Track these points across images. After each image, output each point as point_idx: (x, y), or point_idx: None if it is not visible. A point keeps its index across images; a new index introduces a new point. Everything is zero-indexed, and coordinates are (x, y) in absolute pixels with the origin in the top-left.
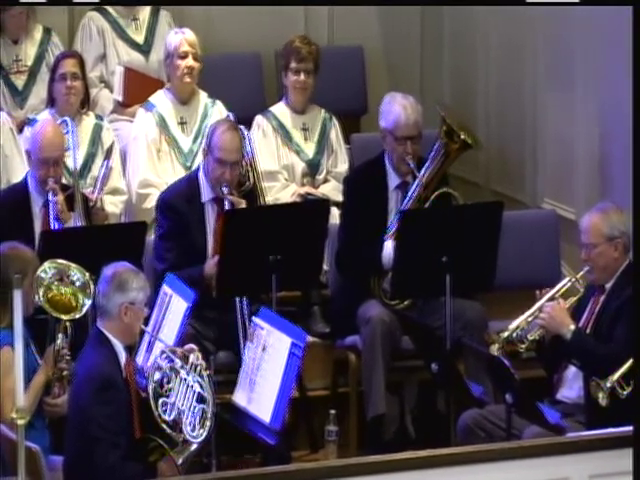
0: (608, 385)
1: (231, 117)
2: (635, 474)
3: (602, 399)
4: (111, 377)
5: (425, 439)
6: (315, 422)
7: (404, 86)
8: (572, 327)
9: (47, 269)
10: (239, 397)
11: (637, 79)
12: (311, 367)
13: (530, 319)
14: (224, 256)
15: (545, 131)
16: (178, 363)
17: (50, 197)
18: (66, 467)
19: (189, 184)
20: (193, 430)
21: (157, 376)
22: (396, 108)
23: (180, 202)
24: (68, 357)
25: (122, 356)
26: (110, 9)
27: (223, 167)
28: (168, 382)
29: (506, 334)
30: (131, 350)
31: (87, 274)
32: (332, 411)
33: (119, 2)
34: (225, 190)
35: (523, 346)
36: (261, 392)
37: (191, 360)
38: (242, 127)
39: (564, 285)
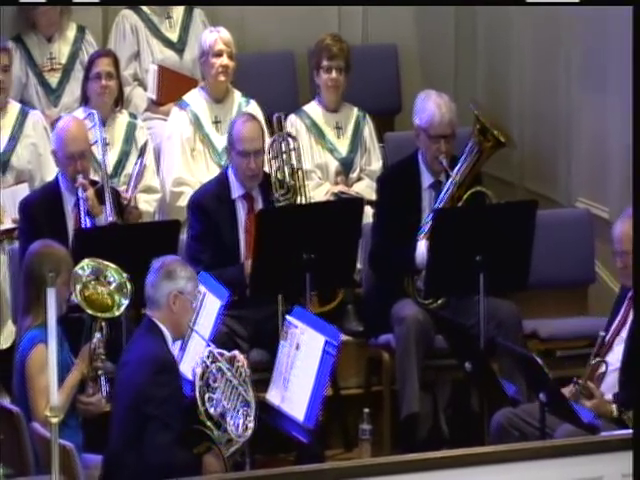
0: None
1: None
2: (635, 476)
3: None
4: (167, 361)
5: (458, 438)
6: (349, 421)
7: (438, 85)
8: (615, 413)
9: (85, 267)
10: (273, 395)
11: (637, 79)
12: (345, 366)
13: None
14: (258, 255)
15: (579, 130)
16: (225, 364)
17: (80, 193)
18: (109, 458)
19: (219, 183)
20: (237, 430)
21: (204, 374)
22: (431, 106)
23: (210, 201)
24: (103, 357)
25: (171, 346)
26: (144, 7)
27: (247, 158)
28: (214, 381)
29: None
30: None
31: (124, 275)
32: (366, 410)
33: (121, 2)
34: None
35: None
36: (295, 390)
37: (236, 365)
38: (289, 138)
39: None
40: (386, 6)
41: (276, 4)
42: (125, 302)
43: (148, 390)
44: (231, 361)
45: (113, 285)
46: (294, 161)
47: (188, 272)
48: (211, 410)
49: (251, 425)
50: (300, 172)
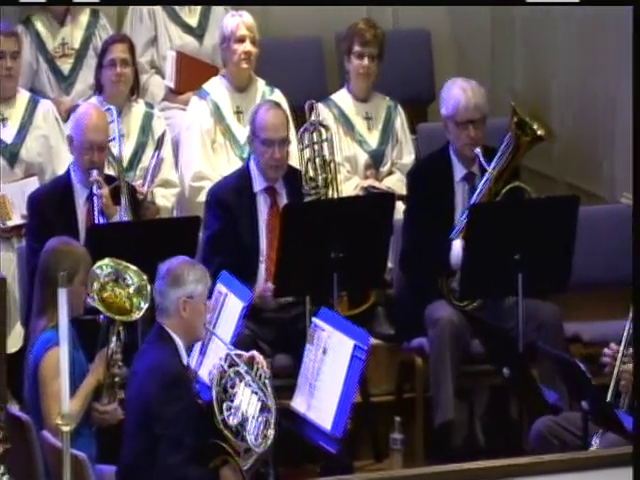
0: None
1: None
2: None
3: None
4: (179, 373)
5: (496, 448)
6: (379, 429)
7: (474, 72)
8: None
9: (104, 266)
10: (298, 403)
11: (637, 79)
12: (375, 371)
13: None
14: (283, 253)
15: (624, 120)
16: (243, 368)
17: (94, 190)
18: (123, 470)
19: (240, 176)
20: (256, 439)
21: (222, 379)
22: (456, 92)
23: (230, 196)
24: (120, 363)
25: (184, 355)
26: None
27: (271, 147)
28: (232, 387)
29: None
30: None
31: (145, 278)
32: (397, 418)
33: (124, 2)
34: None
35: None
36: (321, 397)
37: (255, 368)
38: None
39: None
40: (392, 6)
41: (299, 4)
42: (144, 305)
43: (157, 407)
44: (250, 362)
45: (132, 288)
46: (326, 152)
47: (197, 273)
48: (229, 419)
49: (270, 433)
50: (332, 164)
